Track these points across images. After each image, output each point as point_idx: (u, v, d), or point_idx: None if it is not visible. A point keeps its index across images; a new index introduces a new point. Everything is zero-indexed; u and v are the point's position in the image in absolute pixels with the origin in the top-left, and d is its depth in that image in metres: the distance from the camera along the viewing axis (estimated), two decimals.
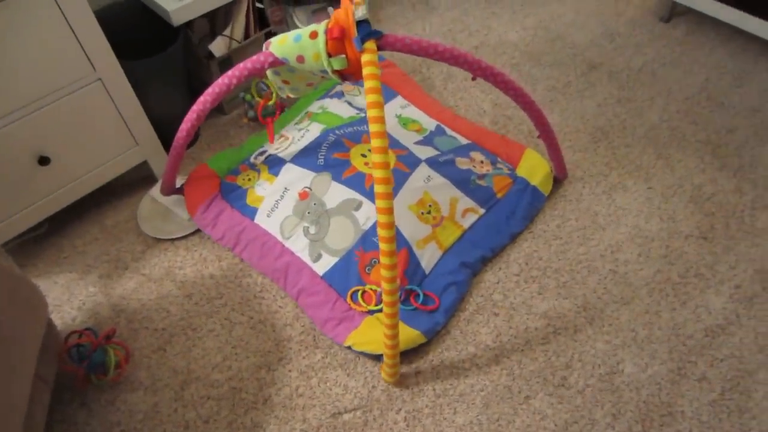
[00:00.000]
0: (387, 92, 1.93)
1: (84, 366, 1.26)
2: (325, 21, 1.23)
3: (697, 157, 1.73)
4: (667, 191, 1.65)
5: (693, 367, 1.32)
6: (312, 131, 1.73)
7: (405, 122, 1.80)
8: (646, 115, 1.86)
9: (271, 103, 1.54)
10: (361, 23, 1.17)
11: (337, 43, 1.20)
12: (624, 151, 1.76)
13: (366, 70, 1.14)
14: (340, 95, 1.90)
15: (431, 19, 2.26)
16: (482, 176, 1.64)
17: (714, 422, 1.23)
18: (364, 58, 1.16)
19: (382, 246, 1.12)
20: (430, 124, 1.82)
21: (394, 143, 1.69)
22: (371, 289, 1.42)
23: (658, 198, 1.63)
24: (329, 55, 1.22)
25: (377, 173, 1.10)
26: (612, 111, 1.88)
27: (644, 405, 1.26)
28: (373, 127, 1.10)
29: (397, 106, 1.88)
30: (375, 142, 1.10)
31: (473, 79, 1.36)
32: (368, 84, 1.13)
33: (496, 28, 2.21)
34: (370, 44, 1.17)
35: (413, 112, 1.86)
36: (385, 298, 1.16)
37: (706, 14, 2.12)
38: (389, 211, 1.11)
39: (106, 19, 1.50)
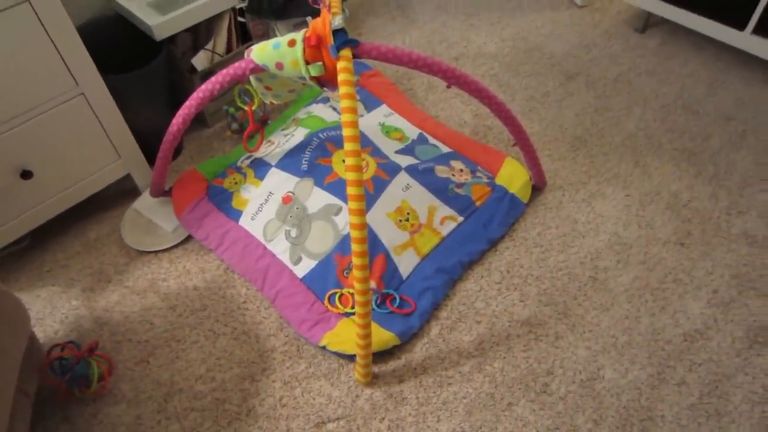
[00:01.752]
0: (372, 100, 1.95)
1: (66, 379, 1.25)
2: (304, 30, 1.26)
3: (673, 164, 1.76)
4: (644, 198, 1.68)
5: (672, 371, 1.34)
6: (297, 135, 1.75)
7: (388, 130, 1.82)
8: (623, 124, 1.89)
9: (255, 108, 1.57)
10: (337, 32, 1.20)
11: (314, 50, 1.23)
12: (602, 160, 1.79)
13: (341, 77, 1.17)
14: (326, 100, 1.93)
15: (411, 32, 2.29)
16: (461, 184, 1.67)
17: (693, 426, 1.26)
18: (340, 65, 1.18)
19: (354, 247, 1.15)
20: (412, 132, 1.84)
21: (375, 151, 1.71)
22: (348, 292, 1.44)
23: (635, 205, 1.66)
24: (307, 63, 1.25)
25: (349, 176, 1.13)
26: (590, 120, 1.91)
27: (624, 410, 1.28)
28: (346, 132, 1.13)
29: (380, 114, 1.90)
30: (348, 146, 1.13)
31: (448, 86, 1.39)
32: (343, 90, 1.16)
33: (474, 39, 2.24)
34: (346, 52, 1.19)
35: (396, 121, 1.88)
36: (357, 297, 1.18)
37: (680, 24, 2.17)
38: (361, 212, 1.14)
39: (88, 34, 1.51)
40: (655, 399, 1.30)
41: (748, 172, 1.73)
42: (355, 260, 1.16)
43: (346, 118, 1.13)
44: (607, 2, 2.40)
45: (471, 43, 2.23)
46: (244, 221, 1.59)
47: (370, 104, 1.94)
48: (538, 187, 1.71)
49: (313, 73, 1.26)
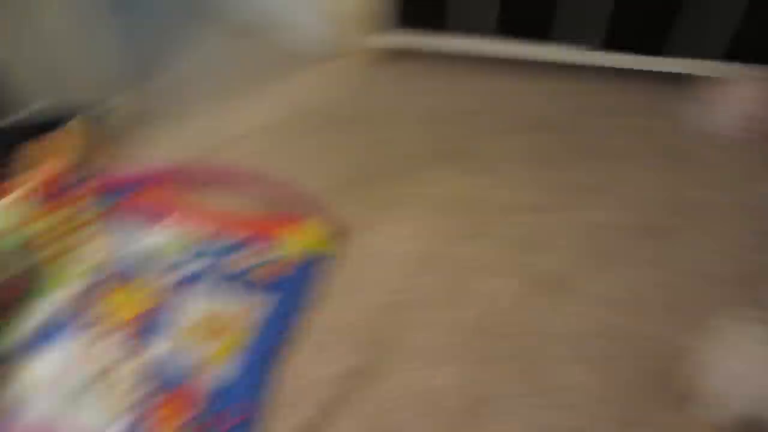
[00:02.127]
0: (150, 217, 1.90)
1: None
2: (31, 182, 1.21)
3: (447, 169, 1.88)
4: (432, 208, 1.77)
5: (490, 352, 1.39)
6: (58, 300, 1.67)
7: (175, 241, 1.79)
8: (392, 150, 2.00)
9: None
10: (71, 173, 1.17)
11: (50, 200, 1.19)
12: (383, 189, 1.87)
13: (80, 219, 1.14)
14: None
15: (186, 125, 2.29)
16: (259, 266, 1.66)
17: (524, 390, 1.31)
18: (67, 210, 1.16)
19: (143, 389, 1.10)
20: (202, 233, 1.82)
21: (166, 267, 1.67)
22: None
23: (427, 217, 1.74)
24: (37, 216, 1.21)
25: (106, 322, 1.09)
26: (361, 157, 2.00)
27: (464, 408, 1.30)
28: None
29: (165, 226, 1.86)
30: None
31: (208, 185, 1.40)
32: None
33: (242, 119, 2.28)
34: (83, 191, 1.18)
35: (183, 228, 1.85)
36: None
37: (416, 48, 2.36)
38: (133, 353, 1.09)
39: None
40: (485, 384, 1.34)
41: (499, 152, 1.89)
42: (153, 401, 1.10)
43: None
44: (355, 46, 2.56)
45: (239, 123, 2.27)
46: (25, 416, 1.45)
47: (150, 221, 1.89)
48: (340, 236, 1.74)
49: (47, 225, 1.22)
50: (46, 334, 1.55)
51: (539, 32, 2.08)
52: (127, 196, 2.02)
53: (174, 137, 2.27)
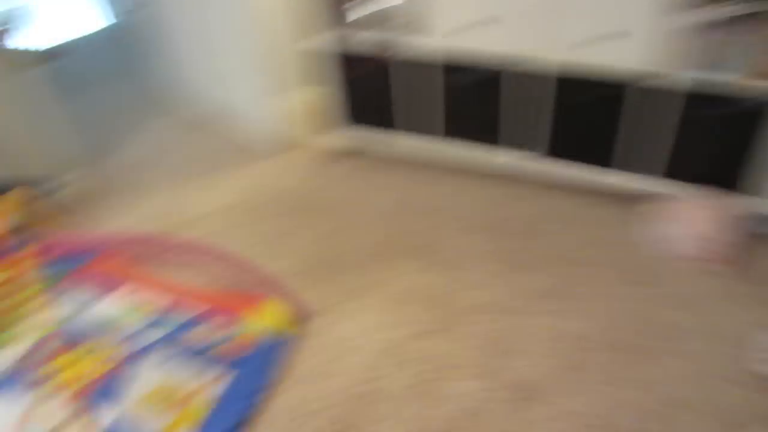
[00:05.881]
0: (111, 282, 1.82)
1: None
2: None
3: (409, 262, 1.90)
4: (395, 300, 1.76)
5: None
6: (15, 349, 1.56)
7: (131, 310, 1.71)
8: (351, 240, 2.02)
9: None
10: (11, 237, 1.12)
11: None
12: (353, 275, 1.86)
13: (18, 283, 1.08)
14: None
15: (141, 205, 2.24)
16: (221, 341, 1.59)
17: None
18: (10, 271, 1.10)
19: None
20: (159, 304, 1.75)
21: (121, 335, 1.59)
22: None
23: (390, 309, 1.74)
24: None
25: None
26: (320, 244, 2.01)
27: None
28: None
29: (122, 294, 1.78)
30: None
31: (166, 258, 1.35)
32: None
33: (197, 203, 2.29)
34: (22, 253, 1.12)
35: (141, 297, 1.78)
36: None
37: (371, 150, 2.43)
38: None
39: None
40: None
41: (461, 250, 1.93)
42: None
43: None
44: (306, 141, 2.61)
45: (208, 203, 2.26)
46: None
47: (108, 287, 1.80)
48: (302, 319, 1.69)
49: None
50: None
51: (486, 136, 2.16)
52: (82, 264, 1.92)
53: (129, 215, 2.20)
